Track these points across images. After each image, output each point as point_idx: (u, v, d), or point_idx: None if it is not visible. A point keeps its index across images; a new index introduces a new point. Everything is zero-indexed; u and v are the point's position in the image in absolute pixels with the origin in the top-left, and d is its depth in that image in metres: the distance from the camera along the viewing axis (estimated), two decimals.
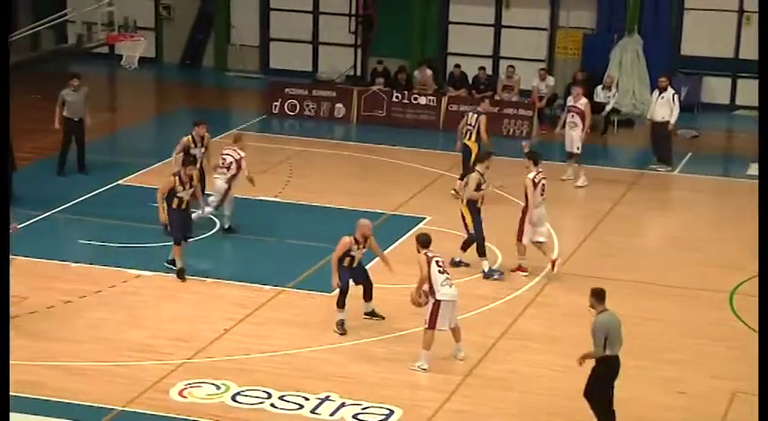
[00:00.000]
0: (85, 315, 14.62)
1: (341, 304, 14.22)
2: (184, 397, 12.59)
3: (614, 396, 11.77)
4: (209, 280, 15.80)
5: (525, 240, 16.18)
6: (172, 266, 15.85)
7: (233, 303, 15.05)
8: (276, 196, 19.56)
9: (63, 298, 15.01)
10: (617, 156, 23.80)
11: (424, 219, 18.52)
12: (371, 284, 14.52)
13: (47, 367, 13.13)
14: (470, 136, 19.60)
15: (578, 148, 20.82)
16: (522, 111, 24.38)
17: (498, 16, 27.40)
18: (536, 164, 16.28)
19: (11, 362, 13.03)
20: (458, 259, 16.43)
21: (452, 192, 19.42)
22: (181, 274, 15.67)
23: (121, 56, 20.42)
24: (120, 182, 19.95)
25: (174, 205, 15.70)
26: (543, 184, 16.22)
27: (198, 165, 16.51)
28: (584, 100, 21.00)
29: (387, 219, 18.46)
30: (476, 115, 19.80)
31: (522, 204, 16.34)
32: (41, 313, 14.58)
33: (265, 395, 12.61)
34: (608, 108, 24.58)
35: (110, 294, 15.27)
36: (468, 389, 12.92)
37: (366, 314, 14.61)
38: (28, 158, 20.56)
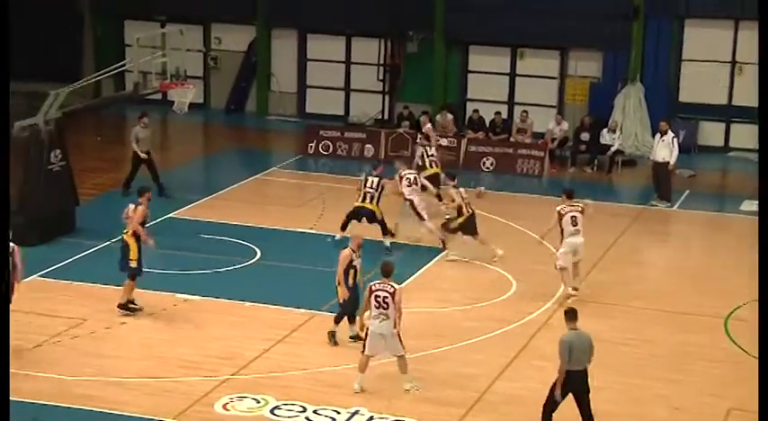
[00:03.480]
0: (139, 335, 14.67)
1: (338, 321, 14.36)
2: (227, 410, 12.61)
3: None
4: (248, 304, 15.84)
5: (562, 263, 16.15)
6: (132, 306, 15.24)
7: (271, 325, 15.08)
8: (311, 228, 19.61)
9: (119, 319, 15.07)
10: (621, 192, 23.75)
11: (443, 249, 18.51)
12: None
13: (105, 382, 13.19)
14: (434, 165, 20.51)
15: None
16: (534, 152, 24.39)
17: (513, 66, 27.46)
18: (569, 198, 16.53)
19: (75, 377, 13.20)
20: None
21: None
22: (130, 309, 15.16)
23: (173, 102, 20.55)
24: (171, 215, 20.05)
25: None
26: (573, 216, 16.27)
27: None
28: (428, 125, 22.65)
29: (410, 249, 18.46)
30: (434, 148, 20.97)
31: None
32: (99, 333, 14.65)
33: (301, 409, 12.61)
34: (613, 149, 24.60)
35: (161, 316, 15.32)
36: (485, 404, 12.88)
37: (351, 338, 14.42)
38: (90, 193, 20.70)
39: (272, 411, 12.58)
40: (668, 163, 21.85)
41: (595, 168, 24.62)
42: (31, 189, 18.06)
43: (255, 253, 18.00)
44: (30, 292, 15.90)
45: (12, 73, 30.07)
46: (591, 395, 11.90)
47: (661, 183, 22.18)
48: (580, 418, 11.91)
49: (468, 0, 26.80)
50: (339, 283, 14.30)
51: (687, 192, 23.07)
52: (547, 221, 20.43)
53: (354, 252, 14.36)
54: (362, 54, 28.33)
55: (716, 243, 20.16)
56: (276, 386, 13.16)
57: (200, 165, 25.50)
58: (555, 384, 11.72)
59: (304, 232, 19.37)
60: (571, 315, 11.78)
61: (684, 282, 17.41)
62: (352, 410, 12.58)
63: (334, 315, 14.59)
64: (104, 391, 12.93)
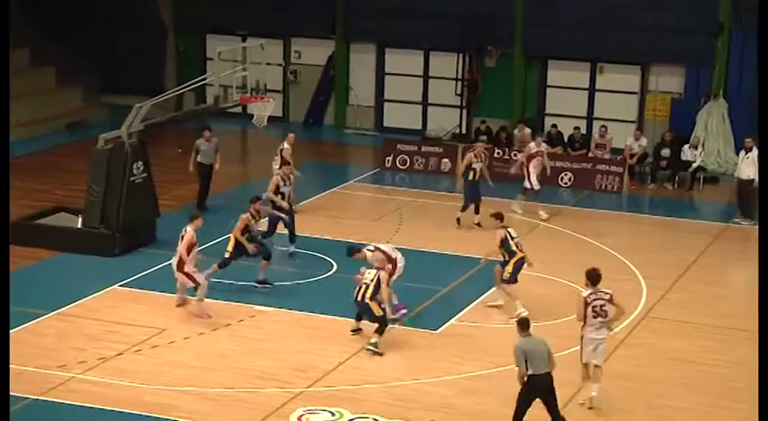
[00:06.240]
0: (217, 345, 14.84)
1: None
2: None
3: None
4: (325, 316, 15.93)
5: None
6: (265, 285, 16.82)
7: (347, 338, 15.13)
8: (388, 242, 19.59)
9: (197, 330, 15.27)
10: (702, 210, 23.36)
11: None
12: None
13: (182, 392, 13.37)
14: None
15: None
16: (613, 168, 24.12)
17: (592, 81, 27.26)
18: (593, 283, 13.21)
19: (153, 386, 13.41)
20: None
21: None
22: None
23: (252, 115, 20.80)
24: None
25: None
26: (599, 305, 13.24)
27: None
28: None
29: (486, 264, 18.39)
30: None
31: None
32: (178, 343, 14.85)
33: None
34: (694, 166, 24.22)
35: (238, 327, 15.49)
36: None
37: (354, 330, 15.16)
38: (170, 205, 20.99)
39: None
40: (753, 180, 21.45)
41: (676, 185, 24.27)
42: (113, 200, 18.42)
43: (332, 266, 18.09)
44: (111, 302, 16.23)
45: (97, 86, 30.92)
46: (666, 413, 11.69)
47: (745, 201, 21.76)
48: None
49: (548, 15, 26.67)
50: (387, 301, 14.82)
51: None
52: (626, 238, 20.29)
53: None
54: (440, 68, 28.36)
55: None
56: (351, 399, 13.20)
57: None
58: (520, 393, 12.00)
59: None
60: (524, 324, 12.06)
61: None
62: None
63: (378, 328, 14.80)
64: (181, 401, 13.10)
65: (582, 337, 13.08)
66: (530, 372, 11.84)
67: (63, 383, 13.42)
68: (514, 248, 16.01)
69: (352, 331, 15.13)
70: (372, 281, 14.65)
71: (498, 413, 12.88)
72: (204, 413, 12.80)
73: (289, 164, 19.97)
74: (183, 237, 15.75)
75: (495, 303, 16.31)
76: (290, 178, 19.17)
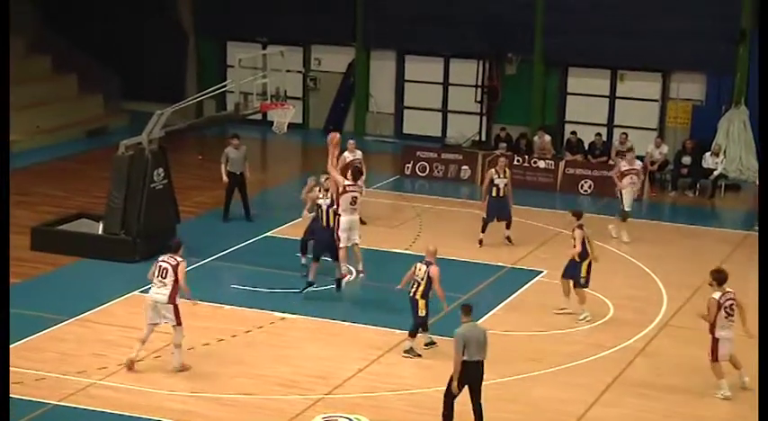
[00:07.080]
0: (237, 352, 14.86)
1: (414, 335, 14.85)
2: None
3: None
4: (343, 323, 15.92)
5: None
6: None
7: (366, 345, 15.11)
8: (407, 249, 19.64)
9: (217, 336, 15.29)
10: (724, 217, 23.23)
11: (541, 272, 18.37)
12: None
13: (201, 398, 13.38)
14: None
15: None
16: None
17: (613, 88, 27.18)
18: (720, 284, 13.81)
19: (172, 392, 13.43)
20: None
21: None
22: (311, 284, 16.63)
23: (273, 122, 20.84)
24: (268, 234, 20.30)
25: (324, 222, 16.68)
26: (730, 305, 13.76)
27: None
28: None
29: (507, 272, 18.36)
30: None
31: None
32: (198, 350, 14.86)
33: None
34: (716, 173, 24.10)
35: (258, 334, 15.51)
36: None
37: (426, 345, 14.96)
38: (191, 212, 21.05)
39: None
40: None
41: (697, 192, 24.16)
42: (133, 207, 18.49)
43: (351, 272, 18.07)
44: (131, 308, 16.28)
45: (118, 93, 31.09)
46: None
47: None
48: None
49: (568, 22, 26.63)
50: (441, 295, 14.64)
51: None
52: (647, 246, 20.19)
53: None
54: (460, 76, 28.34)
55: None
56: (370, 406, 13.18)
57: (298, 185, 25.68)
58: (452, 377, 12.17)
59: (400, 252, 19.39)
60: (466, 309, 12.36)
61: None
62: None
63: (411, 331, 14.85)
64: (200, 407, 13.12)
65: (717, 339, 13.40)
66: (464, 358, 12.00)
67: (83, 389, 13.47)
68: (589, 250, 15.96)
69: (426, 345, 14.88)
70: (423, 279, 14.60)
71: (517, 420, 12.86)
72: (223, 419, 12.81)
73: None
74: (174, 268, 13.91)
75: (564, 310, 16.31)
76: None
